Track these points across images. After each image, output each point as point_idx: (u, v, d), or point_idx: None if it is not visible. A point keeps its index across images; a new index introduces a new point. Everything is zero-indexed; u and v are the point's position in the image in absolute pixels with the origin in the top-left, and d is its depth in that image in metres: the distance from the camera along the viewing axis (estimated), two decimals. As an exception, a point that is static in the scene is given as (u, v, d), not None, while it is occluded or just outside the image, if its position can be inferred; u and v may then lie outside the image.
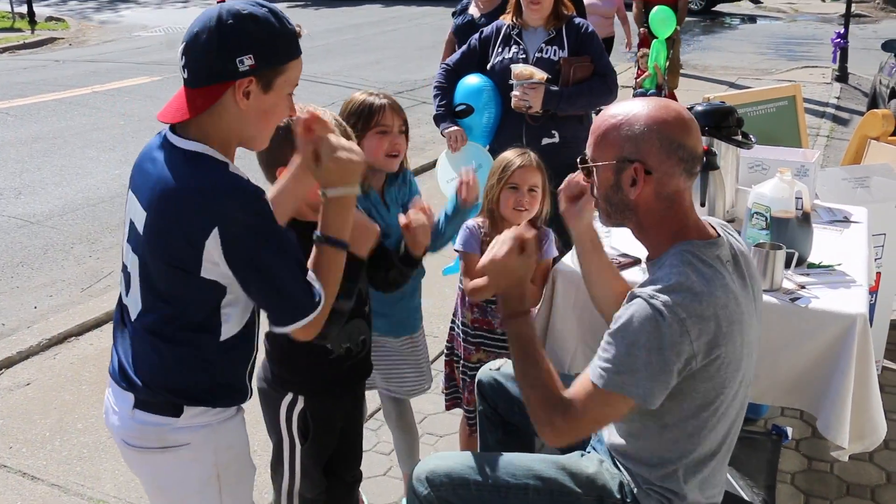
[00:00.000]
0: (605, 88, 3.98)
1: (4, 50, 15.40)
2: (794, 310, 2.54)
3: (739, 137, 3.12)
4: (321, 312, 1.77)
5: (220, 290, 1.76)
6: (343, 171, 1.78)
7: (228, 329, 1.82)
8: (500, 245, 2.06)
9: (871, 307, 3.70)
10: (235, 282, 1.75)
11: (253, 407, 2.12)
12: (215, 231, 1.66)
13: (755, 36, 17.57)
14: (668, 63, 8.26)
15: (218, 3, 1.74)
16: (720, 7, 21.89)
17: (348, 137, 2.26)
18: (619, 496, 2.04)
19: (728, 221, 3.16)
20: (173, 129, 1.78)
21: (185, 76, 1.75)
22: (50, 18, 19.56)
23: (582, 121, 4.05)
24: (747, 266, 1.99)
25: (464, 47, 4.28)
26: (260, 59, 1.70)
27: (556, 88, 3.88)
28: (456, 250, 2.98)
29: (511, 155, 2.92)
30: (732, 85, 11.23)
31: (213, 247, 1.67)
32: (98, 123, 9.53)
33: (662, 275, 1.85)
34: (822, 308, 2.52)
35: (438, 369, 3.31)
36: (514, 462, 2.14)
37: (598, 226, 2.77)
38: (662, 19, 8.22)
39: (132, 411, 1.85)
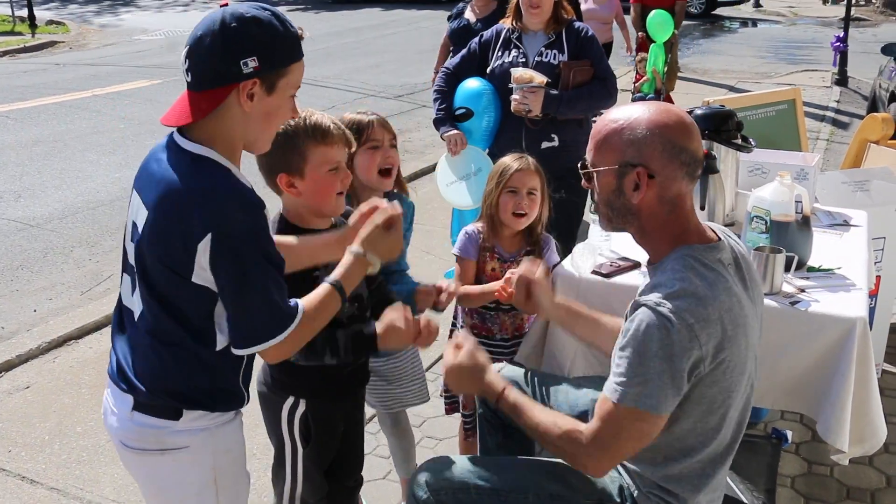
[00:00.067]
0: (605, 92, 3.99)
1: (5, 53, 15.43)
2: (794, 313, 2.53)
3: (739, 141, 3.12)
4: (287, 341, 1.79)
5: (211, 296, 1.76)
6: (389, 246, 2.02)
7: (224, 338, 1.82)
8: (445, 357, 2.18)
9: (871, 311, 3.70)
10: None
11: (252, 410, 2.12)
12: (209, 235, 1.67)
13: (755, 39, 17.60)
14: (665, 67, 8.26)
15: (221, 6, 1.75)
16: (720, 11, 21.92)
17: (350, 144, 2.27)
18: (618, 500, 2.04)
19: (728, 225, 3.17)
20: (180, 130, 1.79)
21: (189, 80, 1.75)
22: (50, 22, 19.59)
23: (581, 124, 4.05)
24: (748, 269, 1.99)
25: (463, 51, 4.29)
26: (263, 62, 1.71)
27: (555, 92, 3.88)
28: (454, 254, 2.98)
29: (509, 159, 2.92)
30: (732, 88, 11.24)
31: (203, 250, 1.68)
32: (98, 127, 9.53)
33: (665, 280, 1.84)
34: (821, 311, 2.52)
35: (438, 373, 3.30)
36: (515, 466, 2.14)
37: (597, 230, 2.78)
38: (660, 23, 8.22)
39: (131, 413, 1.85)
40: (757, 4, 23.57)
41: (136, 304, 1.84)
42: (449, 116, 4.19)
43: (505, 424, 2.53)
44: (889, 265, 3.87)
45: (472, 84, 4.15)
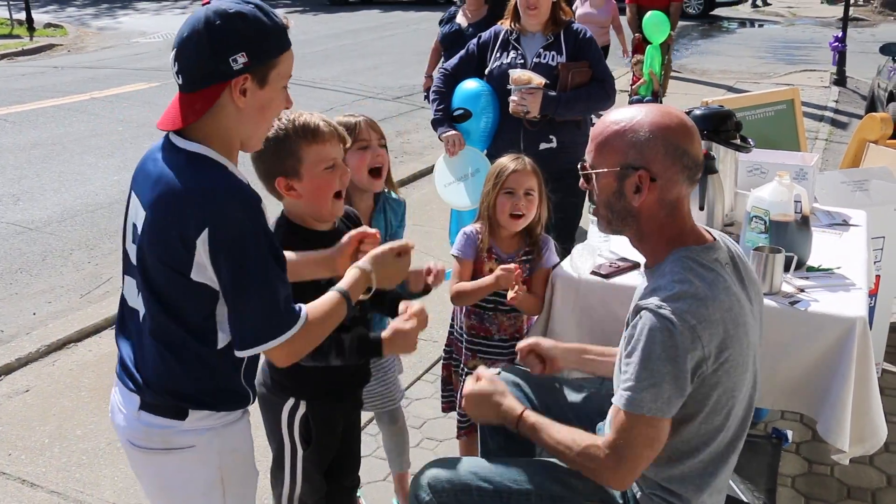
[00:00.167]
0: (604, 94, 3.99)
1: (3, 56, 15.43)
2: (794, 313, 2.53)
3: (738, 141, 3.12)
4: (293, 343, 1.78)
5: (212, 294, 1.76)
6: (395, 272, 2.07)
7: (225, 337, 1.82)
8: (465, 385, 2.20)
9: (871, 310, 3.70)
10: None
11: (251, 412, 2.12)
12: (206, 231, 1.66)
13: (753, 40, 17.61)
14: (662, 69, 8.26)
15: (203, 4, 1.73)
16: (718, 11, 21.93)
17: (344, 140, 2.27)
18: (621, 501, 2.04)
19: (727, 225, 3.17)
20: (176, 130, 1.78)
21: (180, 82, 1.75)
22: (48, 25, 19.58)
23: (579, 126, 4.05)
24: (744, 268, 1.99)
25: (462, 52, 4.29)
26: (253, 56, 1.70)
27: (554, 93, 3.88)
28: (453, 255, 2.98)
29: (506, 160, 2.93)
30: (731, 89, 11.24)
31: (202, 247, 1.67)
32: (96, 130, 9.53)
33: (664, 283, 1.84)
34: (821, 311, 2.52)
35: (437, 374, 3.30)
36: (516, 467, 2.13)
37: (596, 232, 2.78)
38: (656, 24, 8.22)
39: (138, 413, 1.85)
40: (755, 5, 23.59)
41: (139, 305, 1.84)
42: (447, 117, 4.19)
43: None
44: (888, 264, 3.87)
45: (470, 85, 4.16)
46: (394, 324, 2.18)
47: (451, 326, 3.11)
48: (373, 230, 2.22)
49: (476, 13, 5.81)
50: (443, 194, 4.46)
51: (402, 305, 2.25)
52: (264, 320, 1.74)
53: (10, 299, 5.29)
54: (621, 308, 2.26)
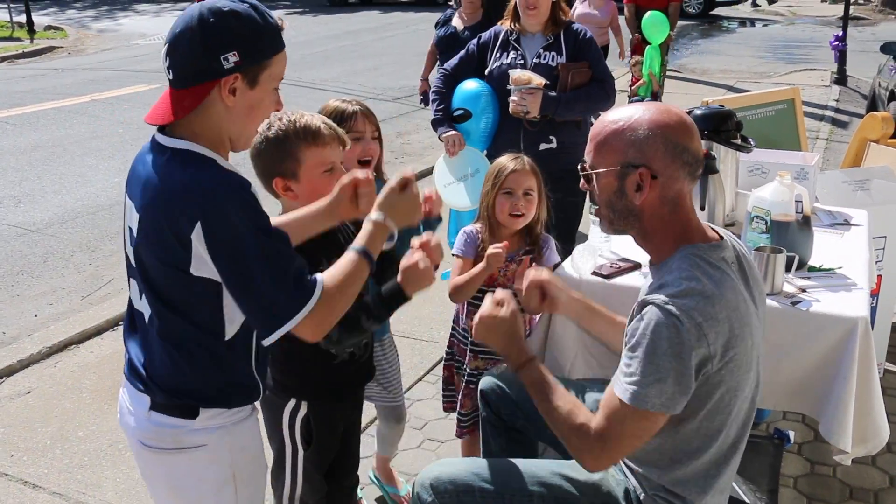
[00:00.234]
0: (603, 94, 3.99)
1: (3, 59, 15.44)
2: (795, 313, 2.53)
3: (739, 141, 3.12)
4: (316, 314, 1.72)
5: (215, 288, 1.74)
6: (408, 207, 1.96)
7: (233, 328, 1.81)
8: (484, 305, 2.15)
9: (873, 310, 3.69)
10: None
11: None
12: (199, 225, 1.65)
13: (753, 39, 17.60)
14: (662, 70, 8.25)
15: (197, 1, 1.72)
16: (718, 10, 21.93)
17: (344, 143, 2.27)
18: (624, 503, 2.03)
19: (728, 225, 3.17)
20: (162, 129, 1.78)
21: (170, 77, 1.74)
22: (48, 27, 19.59)
23: (579, 126, 4.05)
24: (750, 268, 1.99)
25: (462, 52, 4.29)
26: (244, 56, 1.69)
27: (554, 94, 3.88)
28: (453, 254, 2.98)
29: (505, 160, 2.93)
30: (731, 88, 11.24)
31: (198, 241, 1.66)
32: (97, 131, 9.53)
33: (672, 279, 1.83)
34: (823, 311, 2.52)
35: (438, 374, 3.30)
36: (519, 469, 2.13)
37: (597, 231, 2.78)
38: (655, 24, 8.20)
39: (148, 413, 1.85)
40: (755, 4, 23.58)
41: (144, 307, 1.84)
42: (447, 117, 4.19)
43: (508, 427, 2.53)
44: (890, 264, 3.86)
45: (470, 85, 4.16)
46: (402, 263, 2.07)
47: (454, 328, 3.11)
48: (363, 174, 2.09)
49: (472, 16, 5.81)
50: (443, 194, 4.45)
51: (413, 241, 2.13)
52: (279, 300, 1.70)
53: (11, 301, 5.29)
54: (622, 308, 2.26)
